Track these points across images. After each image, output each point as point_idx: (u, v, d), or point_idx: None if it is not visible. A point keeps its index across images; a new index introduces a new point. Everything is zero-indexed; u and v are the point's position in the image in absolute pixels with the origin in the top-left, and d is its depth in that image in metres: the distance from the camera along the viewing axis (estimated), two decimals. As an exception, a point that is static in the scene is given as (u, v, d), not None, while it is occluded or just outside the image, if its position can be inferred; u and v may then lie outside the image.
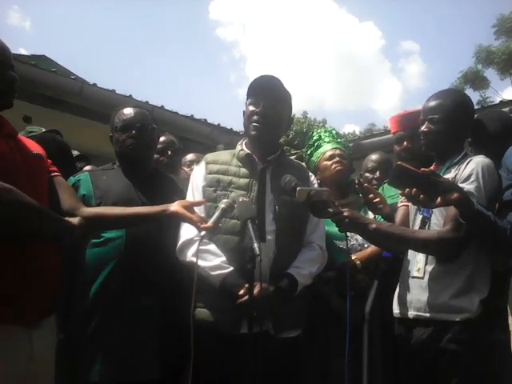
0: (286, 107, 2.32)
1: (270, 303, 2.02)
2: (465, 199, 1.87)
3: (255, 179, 2.22)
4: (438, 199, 1.84)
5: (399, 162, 1.99)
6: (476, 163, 2.13)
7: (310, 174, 2.44)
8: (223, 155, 2.35)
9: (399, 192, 1.97)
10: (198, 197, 2.19)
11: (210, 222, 1.90)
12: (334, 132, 2.89)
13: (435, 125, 2.22)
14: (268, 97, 2.24)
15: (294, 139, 12.20)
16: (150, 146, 2.39)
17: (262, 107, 2.23)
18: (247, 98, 2.31)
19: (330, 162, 2.73)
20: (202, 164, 2.30)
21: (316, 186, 2.34)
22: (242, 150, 2.30)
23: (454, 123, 2.23)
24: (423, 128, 2.26)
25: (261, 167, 2.26)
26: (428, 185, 1.86)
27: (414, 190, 1.87)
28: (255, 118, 2.24)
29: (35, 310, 1.75)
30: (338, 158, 2.73)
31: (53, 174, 2.01)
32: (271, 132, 2.27)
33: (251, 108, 2.26)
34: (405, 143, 2.75)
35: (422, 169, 1.90)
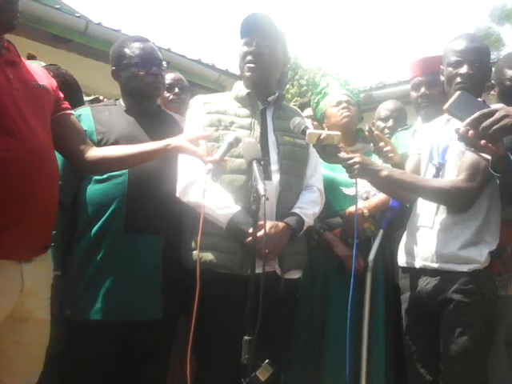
0: (279, 45, 2.24)
1: (281, 240, 2.02)
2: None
3: (256, 119, 2.17)
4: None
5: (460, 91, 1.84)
6: None
7: (306, 120, 2.34)
8: (218, 96, 2.30)
9: (463, 125, 1.68)
10: None
11: (217, 155, 1.83)
12: (342, 80, 2.79)
13: (476, 69, 2.12)
14: (260, 35, 2.17)
15: (307, 91, 11.91)
16: (165, 84, 2.34)
17: (255, 46, 2.16)
18: (240, 39, 2.22)
19: (336, 109, 2.64)
20: (199, 104, 2.21)
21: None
22: (241, 90, 2.23)
23: (486, 70, 2.18)
24: (465, 70, 2.12)
25: (261, 107, 2.22)
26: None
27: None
28: (249, 58, 2.17)
29: (26, 247, 1.66)
30: (345, 104, 2.63)
31: (67, 112, 1.92)
32: (267, 72, 2.21)
33: (244, 48, 2.19)
34: (422, 89, 2.62)
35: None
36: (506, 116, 1.62)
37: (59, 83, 2.38)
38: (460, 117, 1.73)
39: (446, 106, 1.78)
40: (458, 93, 1.81)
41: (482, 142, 1.65)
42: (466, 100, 1.76)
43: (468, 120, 1.66)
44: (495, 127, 1.62)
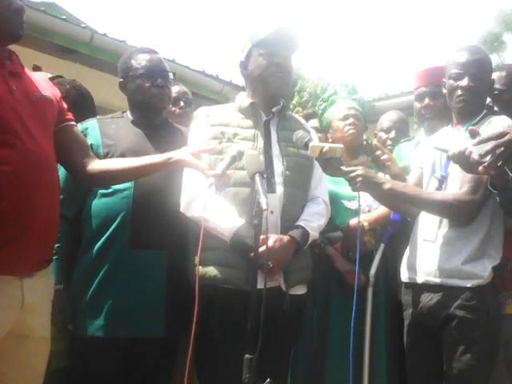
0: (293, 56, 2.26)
1: (286, 254, 2.00)
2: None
3: (260, 130, 2.16)
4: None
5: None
6: (498, 124, 2.04)
7: (310, 129, 2.36)
8: (221, 108, 2.29)
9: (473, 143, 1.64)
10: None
11: (219, 169, 1.81)
12: (350, 86, 2.73)
13: (477, 81, 2.12)
14: (287, 48, 2.18)
15: (308, 101, 11.96)
16: (172, 97, 2.34)
17: (282, 58, 2.16)
18: (256, 47, 2.19)
19: (343, 124, 2.60)
20: (202, 117, 2.20)
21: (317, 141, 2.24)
22: (244, 101, 2.22)
23: (488, 82, 2.18)
24: (466, 83, 2.11)
25: (265, 119, 2.21)
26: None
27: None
28: (274, 69, 2.15)
29: (27, 262, 1.65)
30: (351, 120, 2.59)
31: (70, 123, 1.91)
32: (289, 84, 2.23)
33: (267, 59, 2.15)
34: (426, 100, 2.61)
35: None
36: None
37: (76, 96, 2.39)
38: (446, 149, 1.74)
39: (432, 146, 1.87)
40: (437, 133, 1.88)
41: (480, 168, 1.60)
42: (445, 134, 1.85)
43: (480, 139, 1.62)
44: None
